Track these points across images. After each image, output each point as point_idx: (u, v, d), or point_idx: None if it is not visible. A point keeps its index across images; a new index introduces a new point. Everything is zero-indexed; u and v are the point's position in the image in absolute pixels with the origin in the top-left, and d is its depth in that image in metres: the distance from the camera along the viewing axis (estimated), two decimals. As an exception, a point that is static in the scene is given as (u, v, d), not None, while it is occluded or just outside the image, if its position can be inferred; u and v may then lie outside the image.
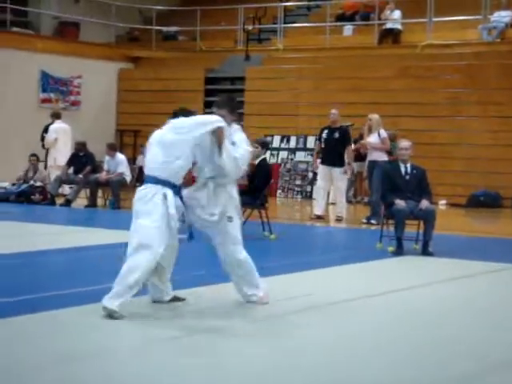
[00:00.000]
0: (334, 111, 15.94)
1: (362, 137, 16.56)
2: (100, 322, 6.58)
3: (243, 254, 7.33)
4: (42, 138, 20.17)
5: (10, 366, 5.34)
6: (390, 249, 11.28)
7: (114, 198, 17.38)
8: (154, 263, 6.77)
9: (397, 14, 22.99)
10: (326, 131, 15.79)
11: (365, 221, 15.23)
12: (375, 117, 15.58)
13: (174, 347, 6.04)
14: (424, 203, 11.17)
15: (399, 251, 11.15)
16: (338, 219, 15.61)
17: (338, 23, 24.39)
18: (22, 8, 24.72)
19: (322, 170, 15.93)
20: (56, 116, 20.43)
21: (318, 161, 16.12)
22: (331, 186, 16.34)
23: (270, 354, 5.86)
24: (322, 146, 15.81)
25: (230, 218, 7.17)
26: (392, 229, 11.44)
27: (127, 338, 6.35)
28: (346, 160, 15.90)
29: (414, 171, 11.50)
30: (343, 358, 5.87)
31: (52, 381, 5.08)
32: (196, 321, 6.86)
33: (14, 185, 18.03)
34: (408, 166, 11.49)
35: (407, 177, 11.44)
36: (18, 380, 5.08)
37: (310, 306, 7.52)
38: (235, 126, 7.42)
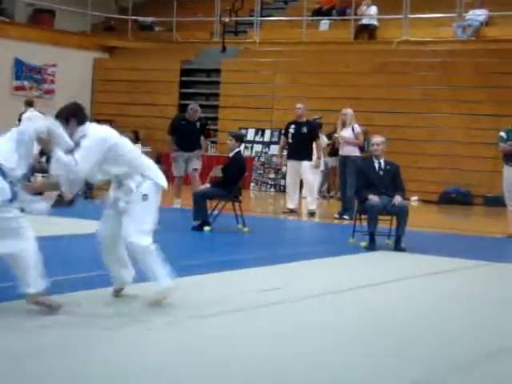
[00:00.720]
0: (299, 105, 15.86)
1: (335, 131, 16.53)
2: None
3: None
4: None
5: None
6: (363, 244, 11.28)
7: (86, 187, 17.24)
8: None
9: (373, 9, 23.00)
10: (292, 126, 15.69)
11: (337, 216, 15.21)
12: (349, 111, 15.54)
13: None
14: (397, 199, 11.17)
15: (372, 246, 11.15)
16: (311, 213, 15.60)
17: (315, 17, 24.35)
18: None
19: (290, 164, 15.88)
20: (29, 104, 20.20)
21: (284, 156, 16.12)
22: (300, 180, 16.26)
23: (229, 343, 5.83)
24: (290, 140, 15.70)
25: None
26: (365, 224, 11.43)
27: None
28: (315, 154, 15.89)
29: (388, 167, 11.50)
30: (297, 349, 5.80)
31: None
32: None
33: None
34: (381, 161, 11.49)
35: (381, 172, 11.44)
36: None
37: (277, 301, 7.46)
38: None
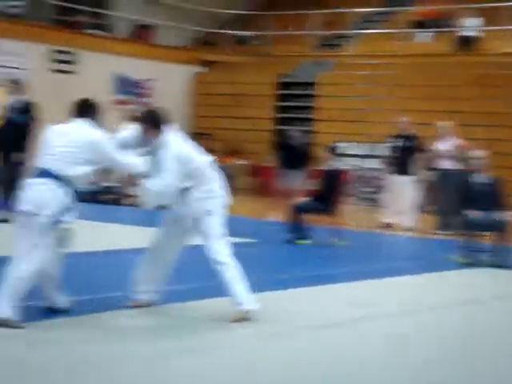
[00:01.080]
0: (403, 119, 15.77)
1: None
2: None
3: None
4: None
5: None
6: (462, 260, 11.06)
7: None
8: None
9: (475, 21, 22.66)
10: (396, 139, 15.58)
11: (436, 231, 14.96)
12: (447, 125, 15.35)
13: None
14: (497, 214, 10.95)
15: (471, 262, 10.93)
16: (408, 229, 15.34)
17: (412, 30, 24.10)
18: (99, 10, 24.95)
19: (391, 178, 15.72)
20: (129, 118, 20.51)
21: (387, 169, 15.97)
22: (400, 195, 16.06)
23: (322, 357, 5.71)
24: (392, 154, 15.60)
25: None
26: (464, 240, 11.22)
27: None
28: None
29: (489, 182, 11.28)
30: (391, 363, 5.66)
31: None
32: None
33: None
34: (482, 176, 11.27)
35: (481, 187, 11.21)
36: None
37: (371, 316, 7.36)
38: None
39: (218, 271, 6.79)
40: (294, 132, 16.23)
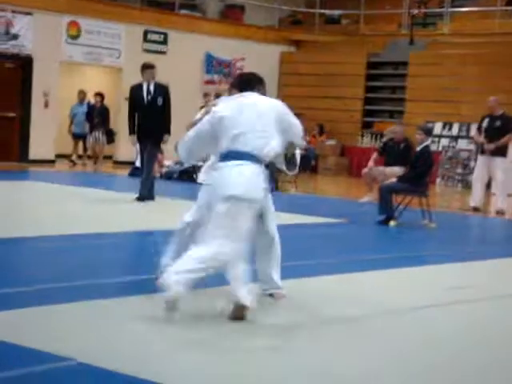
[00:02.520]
0: (492, 98, 15.34)
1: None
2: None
3: None
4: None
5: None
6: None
7: (271, 179, 17.44)
8: None
9: None
10: (486, 119, 15.23)
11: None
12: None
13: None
14: None
15: None
16: (499, 212, 15.12)
17: (509, 7, 23.66)
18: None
19: (481, 160, 15.43)
20: (218, 97, 20.69)
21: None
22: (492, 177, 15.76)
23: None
24: (483, 135, 15.28)
25: None
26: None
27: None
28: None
29: None
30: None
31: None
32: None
33: (177, 164, 18.33)
34: None
35: None
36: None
37: (468, 299, 7.33)
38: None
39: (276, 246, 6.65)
40: (397, 127, 15.23)
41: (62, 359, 4.82)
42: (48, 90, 20.54)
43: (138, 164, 18.30)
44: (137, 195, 13.22)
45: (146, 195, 13.24)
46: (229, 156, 6.03)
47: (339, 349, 5.46)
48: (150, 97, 13.32)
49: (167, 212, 11.78)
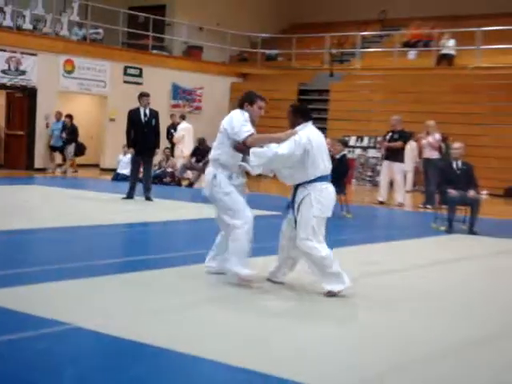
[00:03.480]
0: (395, 117, 15.53)
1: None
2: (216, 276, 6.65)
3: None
4: (168, 135, 20.27)
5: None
6: (443, 228, 11.11)
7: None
8: None
9: (451, 42, 22.52)
10: (389, 134, 15.37)
11: (421, 206, 14.98)
12: (432, 123, 15.31)
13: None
14: (471, 193, 10.96)
15: (450, 230, 10.97)
16: (400, 205, 15.33)
17: (404, 49, 23.99)
18: (160, 35, 25.07)
19: (384, 164, 15.59)
20: (183, 118, 20.68)
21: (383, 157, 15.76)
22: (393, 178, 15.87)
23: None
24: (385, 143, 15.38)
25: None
26: (444, 212, 11.25)
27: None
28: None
29: (464, 167, 11.27)
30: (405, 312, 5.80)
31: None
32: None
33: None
34: (459, 162, 11.27)
35: (458, 171, 11.23)
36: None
37: (377, 272, 7.44)
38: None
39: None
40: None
41: (60, 324, 4.78)
42: (48, 113, 20.31)
43: (124, 172, 18.23)
44: (143, 196, 13.23)
45: (150, 196, 13.25)
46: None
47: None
48: (146, 119, 13.33)
49: (150, 209, 11.80)
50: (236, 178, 6.35)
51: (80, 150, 20.22)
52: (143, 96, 13.47)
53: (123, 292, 5.88)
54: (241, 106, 6.41)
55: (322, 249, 6.06)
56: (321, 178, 6.12)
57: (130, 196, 13.22)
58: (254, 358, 4.31)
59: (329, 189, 6.18)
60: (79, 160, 20.94)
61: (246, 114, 6.31)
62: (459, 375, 4.25)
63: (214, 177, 6.29)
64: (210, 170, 6.39)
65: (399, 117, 15.66)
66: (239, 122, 6.22)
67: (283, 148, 6.05)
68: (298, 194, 6.17)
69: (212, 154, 6.43)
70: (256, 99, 6.41)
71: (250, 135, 6.15)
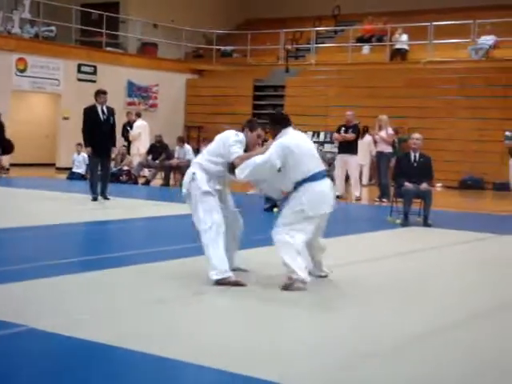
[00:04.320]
0: (349, 112, 15.56)
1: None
2: (178, 273, 6.65)
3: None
4: (123, 132, 20.15)
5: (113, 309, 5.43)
6: (398, 221, 11.25)
7: (183, 179, 17.47)
8: None
9: (404, 37, 22.81)
10: (342, 128, 15.40)
11: (377, 199, 15.14)
12: (384, 117, 15.45)
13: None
14: (423, 185, 11.11)
15: (405, 223, 11.11)
16: (357, 199, 15.45)
17: (358, 44, 24.21)
18: (114, 32, 24.89)
19: (339, 158, 15.59)
20: (138, 115, 20.61)
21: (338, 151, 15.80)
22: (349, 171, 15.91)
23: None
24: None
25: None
26: (399, 205, 11.40)
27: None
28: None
29: (421, 159, 11.34)
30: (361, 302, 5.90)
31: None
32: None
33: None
34: (417, 154, 11.34)
35: (415, 164, 11.32)
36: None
37: (335, 264, 7.51)
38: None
39: None
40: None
41: (14, 326, 4.72)
42: (1, 113, 19.94)
43: (79, 171, 18.06)
44: (93, 196, 12.97)
45: (106, 195, 13.10)
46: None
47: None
48: (104, 117, 13.05)
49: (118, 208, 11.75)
50: (213, 183, 6.46)
51: (7, 148, 19.35)
52: (100, 93, 13.18)
53: (82, 291, 5.86)
54: (242, 129, 6.65)
55: (289, 239, 6.20)
56: (309, 179, 6.27)
57: (95, 197, 12.97)
58: (211, 356, 4.35)
59: (316, 188, 6.28)
60: (31, 159, 20.66)
61: (242, 137, 6.51)
62: (431, 360, 4.35)
63: (193, 174, 6.43)
64: (190, 170, 6.54)
65: (353, 112, 15.78)
66: (231, 142, 6.42)
67: (261, 157, 6.28)
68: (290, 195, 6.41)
69: (197, 158, 6.69)
70: (257, 127, 6.65)
71: (238, 157, 6.36)
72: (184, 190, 6.52)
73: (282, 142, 6.33)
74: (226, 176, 6.53)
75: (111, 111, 13.25)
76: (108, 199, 13.04)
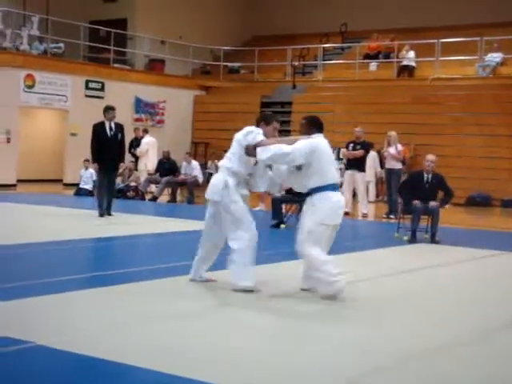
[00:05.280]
0: (357, 129, 15.59)
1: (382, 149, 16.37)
2: (185, 289, 6.64)
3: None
4: (130, 149, 20.12)
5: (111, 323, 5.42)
6: (406, 238, 11.23)
7: (190, 195, 17.52)
8: None
9: (411, 54, 22.87)
10: (351, 145, 15.44)
11: (385, 216, 15.11)
12: (393, 134, 15.44)
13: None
14: (431, 203, 11.09)
15: (413, 240, 11.09)
16: (364, 215, 15.40)
17: (365, 60, 24.28)
18: (122, 49, 25.03)
19: (347, 174, 15.59)
20: (146, 131, 20.67)
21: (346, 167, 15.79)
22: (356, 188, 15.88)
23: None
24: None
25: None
26: (407, 222, 11.37)
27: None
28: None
29: (434, 181, 11.24)
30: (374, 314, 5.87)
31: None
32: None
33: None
34: (430, 175, 11.27)
35: (427, 185, 11.24)
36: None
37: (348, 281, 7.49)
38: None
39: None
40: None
41: (22, 342, 4.71)
42: (9, 128, 20.12)
43: (86, 187, 18.09)
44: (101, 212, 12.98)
45: (110, 211, 13.11)
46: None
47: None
48: (112, 133, 13.06)
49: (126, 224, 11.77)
50: (242, 187, 6.62)
51: None
52: (109, 109, 13.21)
53: (89, 308, 5.85)
54: (257, 124, 6.75)
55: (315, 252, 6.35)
56: (327, 187, 6.38)
57: (102, 214, 12.98)
58: (203, 371, 4.33)
59: (333, 198, 6.40)
60: (38, 175, 20.73)
61: (261, 130, 6.64)
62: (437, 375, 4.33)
63: (226, 183, 6.51)
64: (219, 176, 6.61)
65: (362, 128, 15.79)
66: (254, 133, 6.57)
67: (288, 147, 6.37)
68: (306, 202, 6.55)
69: (223, 162, 6.70)
70: (272, 120, 6.81)
71: (263, 140, 6.53)
72: (217, 198, 6.53)
73: (313, 142, 6.43)
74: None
75: (119, 127, 13.27)
76: (111, 215, 13.02)
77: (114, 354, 4.52)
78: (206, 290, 6.70)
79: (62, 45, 22.33)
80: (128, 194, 17.86)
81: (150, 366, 4.31)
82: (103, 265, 8.35)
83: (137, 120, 23.44)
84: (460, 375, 4.48)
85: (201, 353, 4.70)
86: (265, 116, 6.93)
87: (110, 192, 13.21)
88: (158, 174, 18.29)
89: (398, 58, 23.24)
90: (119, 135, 13.19)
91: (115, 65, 23.86)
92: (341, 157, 19.59)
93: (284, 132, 23.08)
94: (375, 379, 4.33)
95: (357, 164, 15.26)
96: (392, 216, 14.51)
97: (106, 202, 13.08)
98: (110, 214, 13.04)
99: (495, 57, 21.61)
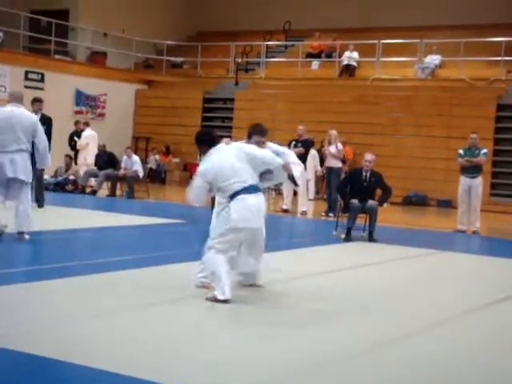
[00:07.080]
0: (300, 127, 15.75)
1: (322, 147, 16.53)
2: (121, 285, 6.60)
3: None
4: (70, 141, 19.85)
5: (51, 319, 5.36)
6: (343, 236, 11.36)
7: (129, 189, 17.38)
8: None
9: (354, 54, 23.11)
10: (293, 142, 15.55)
11: (324, 214, 15.25)
12: (334, 132, 15.59)
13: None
14: (369, 202, 11.25)
15: (348, 238, 11.22)
16: (303, 213, 15.53)
17: (308, 59, 24.45)
18: (63, 40, 24.63)
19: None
20: (87, 124, 20.39)
21: None
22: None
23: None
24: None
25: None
26: (345, 220, 11.50)
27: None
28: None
29: (372, 179, 11.42)
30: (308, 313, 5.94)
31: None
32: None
33: (52, 177, 17.92)
34: (368, 173, 11.43)
35: (365, 183, 11.41)
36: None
37: (280, 279, 7.55)
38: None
39: None
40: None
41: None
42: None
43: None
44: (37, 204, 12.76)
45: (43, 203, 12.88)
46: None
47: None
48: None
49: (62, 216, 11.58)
50: None
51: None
52: (35, 101, 12.91)
53: (23, 303, 5.76)
54: (249, 137, 7.08)
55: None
56: (238, 192, 6.31)
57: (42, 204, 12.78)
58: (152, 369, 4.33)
59: (246, 200, 6.30)
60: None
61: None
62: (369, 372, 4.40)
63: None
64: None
65: (304, 126, 15.93)
66: (269, 150, 6.92)
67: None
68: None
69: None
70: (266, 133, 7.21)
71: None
72: (265, 214, 6.54)
73: (206, 164, 6.52)
74: None
75: (46, 119, 12.98)
76: (42, 208, 12.82)
77: (52, 350, 4.47)
78: (135, 288, 6.65)
79: (1, 34, 21.86)
80: (66, 187, 17.61)
81: (89, 364, 4.28)
82: (40, 259, 8.20)
83: (77, 112, 23.12)
84: (392, 375, 4.57)
85: (142, 347, 4.69)
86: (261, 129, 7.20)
87: (38, 184, 12.93)
88: (96, 168, 18.07)
89: (339, 57, 23.46)
90: (45, 128, 12.92)
91: (56, 56, 23.47)
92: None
93: (225, 128, 23.23)
94: (324, 372, 4.37)
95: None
96: (331, 214, 14.66)
97: (36, 195, 12.84)
98: (41, 206, 12.82)
99: (434, 59, 22.05)
